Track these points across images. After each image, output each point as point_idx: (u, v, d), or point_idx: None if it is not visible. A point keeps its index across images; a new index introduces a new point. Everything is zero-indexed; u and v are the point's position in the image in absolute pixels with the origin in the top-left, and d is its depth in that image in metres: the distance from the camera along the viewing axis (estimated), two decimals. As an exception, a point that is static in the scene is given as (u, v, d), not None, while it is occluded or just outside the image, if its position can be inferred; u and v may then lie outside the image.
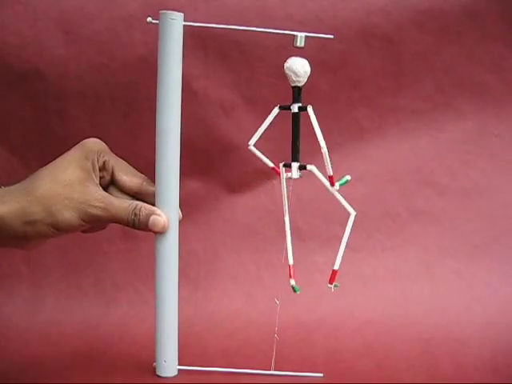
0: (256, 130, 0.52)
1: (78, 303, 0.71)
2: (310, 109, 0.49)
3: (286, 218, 0.52)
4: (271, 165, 0.54)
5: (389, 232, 0.74)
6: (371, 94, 0.72)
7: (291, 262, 0.52)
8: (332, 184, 0.51)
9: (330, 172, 0.50)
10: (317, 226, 0.74)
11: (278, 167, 0.52)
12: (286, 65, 0.49)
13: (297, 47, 0.50)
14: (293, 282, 0.51)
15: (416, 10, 0.68)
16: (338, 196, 0.51)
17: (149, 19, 0.50)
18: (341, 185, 0.51)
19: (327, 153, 0.49)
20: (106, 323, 0.68)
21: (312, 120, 0.49)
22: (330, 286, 0.51)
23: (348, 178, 0.52)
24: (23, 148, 0.71)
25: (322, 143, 0.49)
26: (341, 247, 0.51)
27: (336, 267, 0.51)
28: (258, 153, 0.53)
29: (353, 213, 0.51)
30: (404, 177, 0.74)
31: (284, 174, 0.52)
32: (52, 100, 0.69)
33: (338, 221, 0.74)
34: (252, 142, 0.52)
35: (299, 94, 0.50)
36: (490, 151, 0.73)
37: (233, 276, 0.72)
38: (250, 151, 0.53)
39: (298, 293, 0.51)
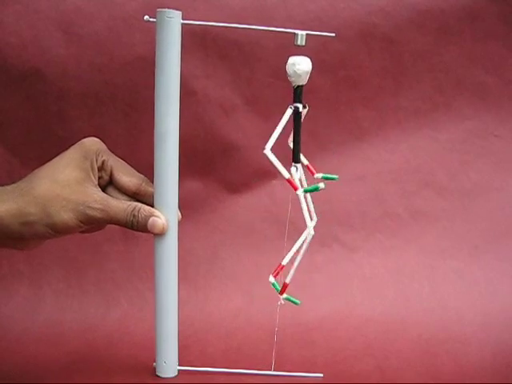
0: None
1: (78, 303, 0.71)
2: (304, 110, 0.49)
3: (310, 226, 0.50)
4: (287, 176, 0.48)
5: (389, 232, 0.74)
6: (371, 94, 0.72)
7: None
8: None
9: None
10: (317, 225, 0.74)
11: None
12: (290, 63, 0.48)
13: (297, 46, 0.48)
14: (272, 278, 0.49)
15: (416, 10, 0.68)
16: (303, 205, 0.49)
17: (146, 17, 0.48)
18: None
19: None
20: (106, 323, 0.68)
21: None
22: (281, 297, 0.51)
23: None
24: (23, 148, 0.71)
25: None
26: (295, 262, 0.50)
27: (288, 280, 0.50)
28: (273, 159, 0.47)
29: (311, 225, 0.49)
30: (404, 177, 0.74)
31: (301, 189, 0.49)
32: (52, 100, 0.69)
33: (337, 221, 0.74)
34: (268, 146, 0.47)
35: (301, 93, 0.49)
36: (490, 151, 0.73)
37: (232, 276, 0.72)
38: (265, 156, 0.47)
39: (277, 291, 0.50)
